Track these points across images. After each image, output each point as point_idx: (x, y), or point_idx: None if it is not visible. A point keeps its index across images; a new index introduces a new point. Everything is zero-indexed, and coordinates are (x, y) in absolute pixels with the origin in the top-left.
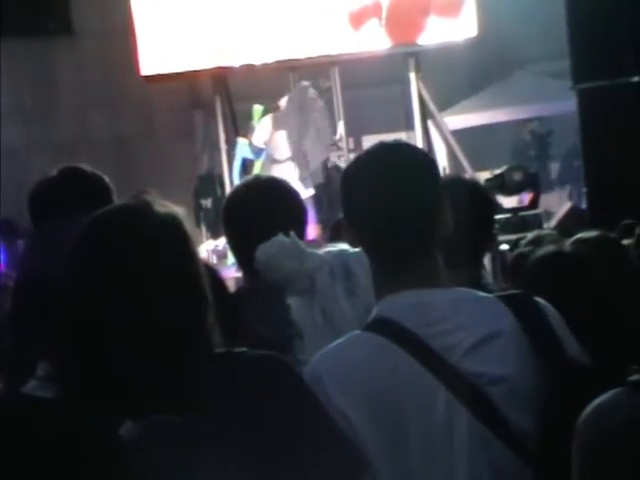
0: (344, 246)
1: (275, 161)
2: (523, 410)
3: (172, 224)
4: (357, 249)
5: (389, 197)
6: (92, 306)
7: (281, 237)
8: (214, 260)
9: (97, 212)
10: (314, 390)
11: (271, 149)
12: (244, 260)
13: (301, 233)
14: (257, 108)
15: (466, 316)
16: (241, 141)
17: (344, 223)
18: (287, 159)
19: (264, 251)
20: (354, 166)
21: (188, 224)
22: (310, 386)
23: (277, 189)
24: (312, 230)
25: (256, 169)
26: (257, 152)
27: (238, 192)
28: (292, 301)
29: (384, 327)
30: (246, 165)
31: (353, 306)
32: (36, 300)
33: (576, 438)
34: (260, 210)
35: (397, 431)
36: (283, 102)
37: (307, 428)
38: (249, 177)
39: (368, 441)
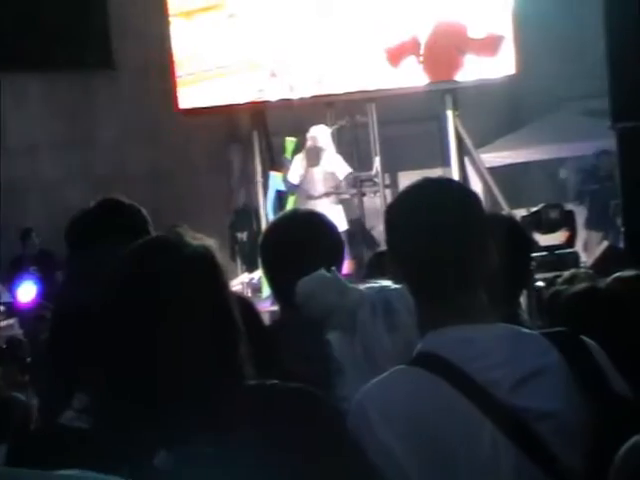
0: (385, 282)
1: (310, 197)
2: (570, 446)
3: (204, 256)
4: (398, 286)
5: (434, 232)
6: (124, 337)
7: (322, 272)
8: (249, 293)
9: (132, 244)
10: (359, 423)
11: (306, 184)
12: (281, 293)
13: (339, 267)
14: (289, 140)
15: (511, 351)
16: (273, 174)
17: (388, 258)
18: (322, 195)
19: (305, 285)
20: (398, 201)
21: (220, 256)
22: (354, 419)
23: (316, 223)
24: (345, 265)
25: (290, 204)
26: (291, 187)
27: (277, 225)
28: (332, 336)
29: (429, 362)
30: (280, 198)
31: (394, 342)
32: (72, 331)
33: (612, 474)
34: (299, 244)
35: (443, 467)
36: (312, 134)
37: (339, 462)
38: (287, 210)
39: (412, 475)
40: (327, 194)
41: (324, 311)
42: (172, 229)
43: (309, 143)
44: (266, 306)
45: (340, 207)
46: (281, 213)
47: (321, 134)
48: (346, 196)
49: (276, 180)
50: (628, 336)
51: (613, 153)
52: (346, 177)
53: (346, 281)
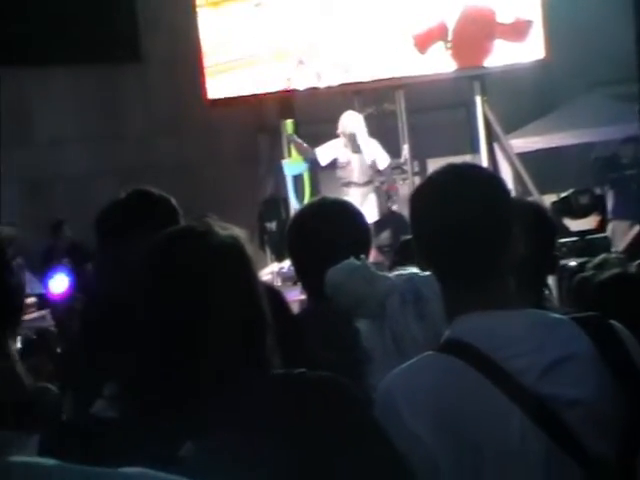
0: (413, 270)
1: (347, 185)
2: (600, 434)
3: (232, 245)
4: (427, 273)
5: (459, 218)
6: (153, 326)
7: (352, 260)
8: (278, 282)
9: (160, 234)
10: (386, 411)
11: (343, 171)
12: (309, 282)
13: (366, 255)
14: (288, 122)
15: (540, 338)
16: (285, 162)
17: (414, 245)
18: (359, 184)
19: (334, 274)
20: (423, 188)
21: (248, 246)
22: (381, 406)
23: (343, 211)
24: (372, 254)
25: (306, 183)
26: (314, 166)
27: (304, 214)
28: (362, 325)
29: (457, 349)
30: (296, 183)
31: (424, 331)
32: (103, 321)
33: None
34: (326, 232)
35: (471, 454)
36: (343, 121)
37: (367, 450)
38: (315, 199)
39: (442, 464)
40: (365, 183)
41: (354, 300)
42: (201, 219)
43: (343, 130)
44: (297, 295)
45: (374, 196)
46: (308, 201)
47: (351, 120)
48: (379, 185)
49: (289, 167)
50: None
51: (637, 140)
52: (387, 166)
53: (375, 269)
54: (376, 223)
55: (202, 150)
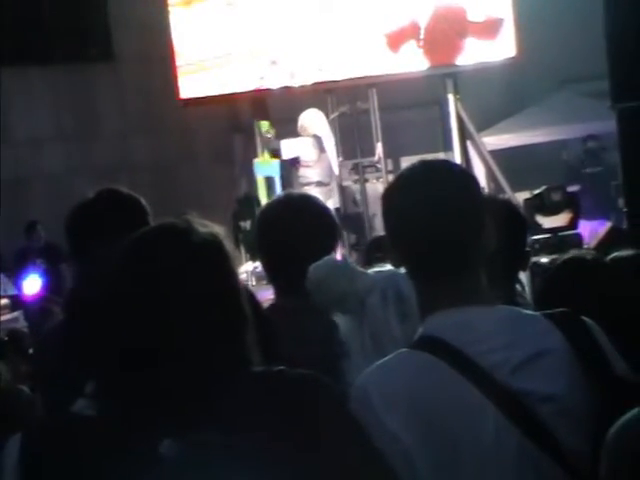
0: (386, 267)
1: (307, 184)
2: (573, 429)
3: (212, 242)
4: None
5: (431, 214)
6: (132, 325)
7: (333, 257)
8: (253, 282)
9: (139, 231)
10: (362, 408)
11: (311, 172)
12: (277, 278)
13: (333, 249)
14: (263, 123)
15: (513, 334)
16: (257, 161)
17: (387, 242)
18: (317, 183)
19: (316, 270)
20: (395, 184)
21: (228, 243)
22: (357, 404)
23: (309, 206)
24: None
25: (276, 182)
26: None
27: (270, 209)
28: (341, 321)
29: (431, 345)
30: (269, 183)
31: (404, 330)
32: (82, 322)
33: (604, 455)
34: (293, 227)
35: (446, 449)
36: (303, 121)
37: (345, 448)
38: (280, 194)
39: (417, 460)
40: (328, 183)
41: (334, 296)
42: (181, 216)
43: (304, 129)
44: (270, 294)
45: (337, 196)
46: (274, 197)
47: (314, 120)
48: (347, 183)
49: (260, 167)
50: (610, 308)
51: (600, 136)
52: (339, 166)
53: (356, 267)
54: (342, 223)
55: (177, 149)
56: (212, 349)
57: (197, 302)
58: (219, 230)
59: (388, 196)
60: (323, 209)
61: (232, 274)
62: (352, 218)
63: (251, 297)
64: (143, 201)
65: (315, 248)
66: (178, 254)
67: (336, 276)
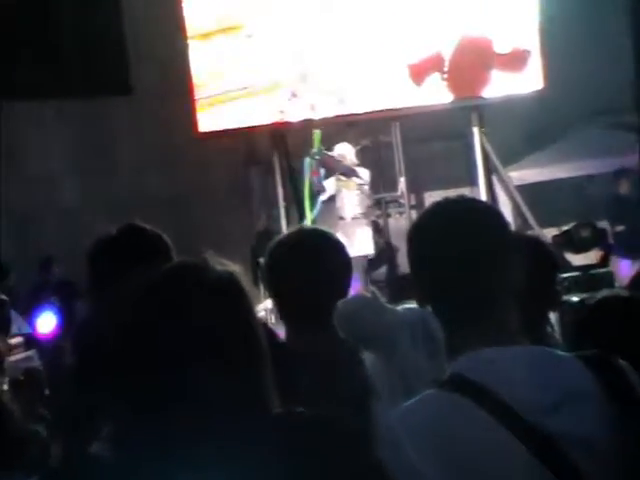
0: (411, 306)
1: (342, 218)
2: (605, 472)
3: (230, 281)
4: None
5: (457, 253)
6: (149, 364)
7: (362, 293)
8: (272, 319)
9: (155, 271)
10: (390, 450)
11: (337, 205)
12: (290, 316)
13: (346, 288)
14: (317, 132)
15: (544, 374)
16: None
17: (413, 280)
18: (353, 217)
19: (345, 306)
20: (422, 222)
21: (246, 281)
22: (385, 446)
23: (322, 243)
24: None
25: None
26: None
27: (281, 246)
28: (368, 360)
29: (460, 385)
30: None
31: (433, 369)
32: (96, 361)
33: None
34: (304, 265)
35: None
36: (340, 151)
37: None
38: (293, 229)
39: None
40: (358, 216)
41: (364, 333)
42: (197, 255)
43: (340, 161)
44: None
45: (369, 229)
46: (284, 233)
47: (348, 152)
48: (374, 218)
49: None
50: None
51: (632, 171)
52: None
53: (386, 303)
54: (372, 257)
55: (194, 183)
56: (228, 390)
57: (215, 343)
58: (236, 268)
59: (413, 236)
60: (336, 244)
61: (249, 312)
62: (382, 253)
63: (270, 335)
64: (165, 237)
65: (328, 286)
66: (195, 292)
67: (366, 312)
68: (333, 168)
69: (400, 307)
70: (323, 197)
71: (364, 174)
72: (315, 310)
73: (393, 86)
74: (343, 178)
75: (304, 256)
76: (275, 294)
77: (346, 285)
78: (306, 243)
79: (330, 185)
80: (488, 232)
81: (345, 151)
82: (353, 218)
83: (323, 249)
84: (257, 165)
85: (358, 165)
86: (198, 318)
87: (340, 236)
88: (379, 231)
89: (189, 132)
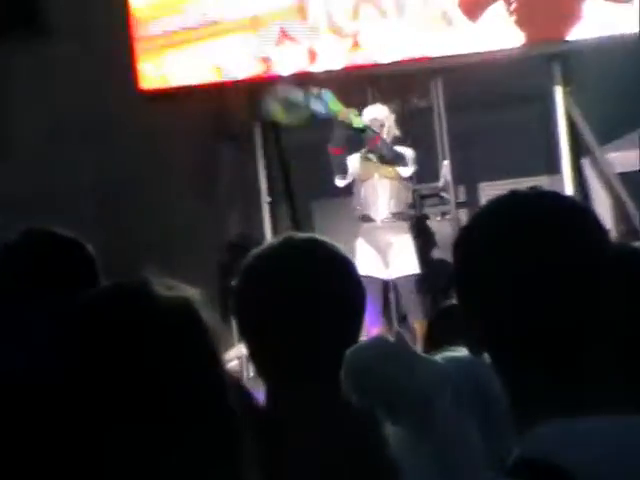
0: (460, 352)
1: (367, 220)
2: None
3: (182, 313)
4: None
5: (531, 274)
6: (76, 419)
7: (382, 337)
8: (249, 373)
9: (77, 297)
10: None
11: (363, 201)
12: (270, 365)
13: (359, 325)
14: (327, 94)
15: None
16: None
17: (464, 312)
18: (388, 219)
19: (357, 357)
20: (473, 229)
21: (208, 314)
22: None
23: (321, 259)
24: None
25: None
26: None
27: (263, 262)
28: (393, 435)
29: (536, 473)
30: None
31: (489, 446)
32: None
33: None
34: (294, 292)
35: None
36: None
37: None
38: (279, 239)
39: None
40: (393, 218)
41: (386, 396)
42: (137, 274)
43: (386, 143)
44: None
45: (410, 238)
46: (268, 243)
47: (385, 117)
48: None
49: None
50: None
51: None
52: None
53: (416, 351)
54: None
55: (132, 165)
56: (185, 470)
57: (158, 401)
58: (192, 293)
59: (462, 247)
60: (342, 262)
61: (210, 359)
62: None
63: (244, 396)
64: (88, 247)
65: (329, 322)
66: (130, 332)
67: (389, 365)
68: (375, 150)
69: (440, 356)
70: (341, 182)
71: (408, 156)
72: (309, 361)
73: (433, 23)
74: (373, 158)
75: (293, 279)
76: (250, 335)
77: (356, 323)
78: (297, 260)
79: (353, 165)
80: (576, 242)
81: (381, 116)
82: (386, 220)
83: (322, 269)
84: (230, 140)
85: (400, 141)
86: (136, 366)
87: (363, 248)
88: (427, 240)
89: (128, 92)
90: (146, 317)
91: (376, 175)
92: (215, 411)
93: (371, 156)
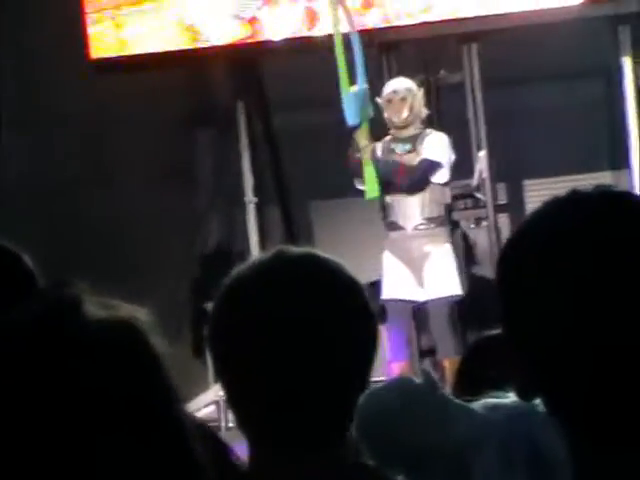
0: (509, 398)
1: (394, 228)
2: None
3: (120, 339)
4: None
5: (601, 290)
6: None
7: (406, 379)
8: (226, 422)
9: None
10: None
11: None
12: (254, 416)
13: (370, 363)
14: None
15: None
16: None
17: (511, 345)
18: (418, 226)
19: (375, 403)
20: (526, 239)
21: (159, 341)
22: None
23: (323, 282)
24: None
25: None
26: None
27: (246, 283)
28: None
29: None
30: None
31: None
32: None
33: None
34: (285, 322)
35: None
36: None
37: None
38: (266, 254)
39: None
40: (427, 225)
41: (411, 453)
42: (64, 289)
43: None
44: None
45: (450, 249)
46: (254, 258)
47: (403, 87)
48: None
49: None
50: None
51: None
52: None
53: (451, 398)
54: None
55: (80, 159)
56: None
57: (87, 451)
58: (137, 315)
59: (512, 261)
60: (345, 283)
61: (158, 398)
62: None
63: (218, 450)
64: (26, 258)
65: (338, 374)
66: (55, 360)
67: (415, 415)
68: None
69: (480, 403)
70: (362, 185)
71: (441, 145)
72: (306, 413)
73: None
74: (398, 149)
75: (286, 307)
76: (228, 375)
77: (366, 365)
78: (290, 282)
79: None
80: None
81: (401, 87)
82: (420, 227)
83: (323, 295)
84: (206, 124)
85: (430, 123)
86: (61, 404)
87: (390, 263)
88: (458, 254)
89: (76, 62)
90: (69, 345)
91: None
92: (171, 469)
93: (395, 146)
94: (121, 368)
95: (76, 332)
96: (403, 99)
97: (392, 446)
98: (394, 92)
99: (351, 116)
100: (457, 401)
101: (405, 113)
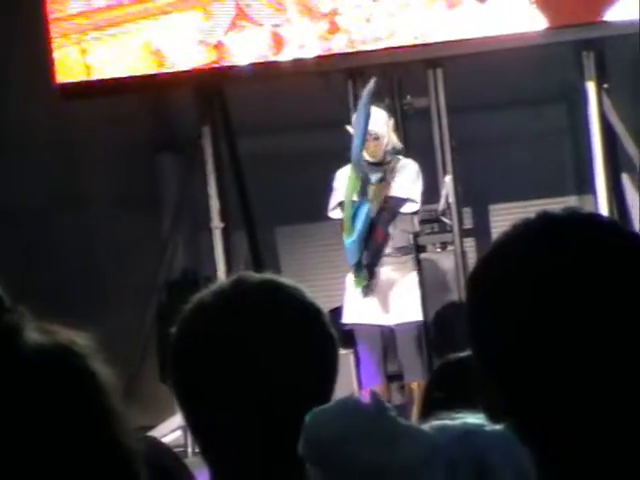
0: (471, 419)
1: (398, 252)
2: None
3: (54, 364)
4: (497, 426)
5: (571, 312)
6: None
7: (351, 399)
8: (194, 443)
9: None
10: None
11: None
12: (214, 441)
13: (329, 389)
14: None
15: None
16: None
17: (479, 368)
18: (390, 254)
19: (326, 424)
20: (496, 259)
21: (104, 369)
22: None
23: (279, 305)
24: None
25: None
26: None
27: (207, 309)
28: None
29: None
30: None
31: None
32: None
33: None
34: (239, 344)
35: None
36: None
37: None
38: (226, 281)
39: None
40: (395, 253)
41: (361, 473)
42: (4, 315)
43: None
44: None
45: (415, 276)
46: (217, 283)
47: (388, 128)
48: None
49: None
50: None
51: None
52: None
53: (400, 418)
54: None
55: (46, 184)
56: None
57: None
58: (78, 340)
59: (482, 284)
60: (305, 307)
61: (100, 427)
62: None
63: (184, 477)
64: None
65: (292, 384)
66: None
67: (365, 434)
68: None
69: (428, 425)
70: (336, 214)
71: (413, 179)
72: (266, 441)
73: (431, 1)
74: (372, 178)
75: (245, 333)
76: (188, 402)
77: (327, 390)
78: (250, 308)
79: (341, 184)
80: (629, 276)
81: (375, 127)
82: (389, 256)
83: (283, 321)
84: (170, 149)
85: (400, 151)
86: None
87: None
88: (423, 278)
89: (43, 88)
90: (5, 370)
91: (374, 202)
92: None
93: (369, 171)
94: (58, 392)
95: (14, 357)
96: (376, 139)
97: (337, 467)
98: (368, 134)
99: (352, 259)
100: (405, 422)
101: (380, 154)
